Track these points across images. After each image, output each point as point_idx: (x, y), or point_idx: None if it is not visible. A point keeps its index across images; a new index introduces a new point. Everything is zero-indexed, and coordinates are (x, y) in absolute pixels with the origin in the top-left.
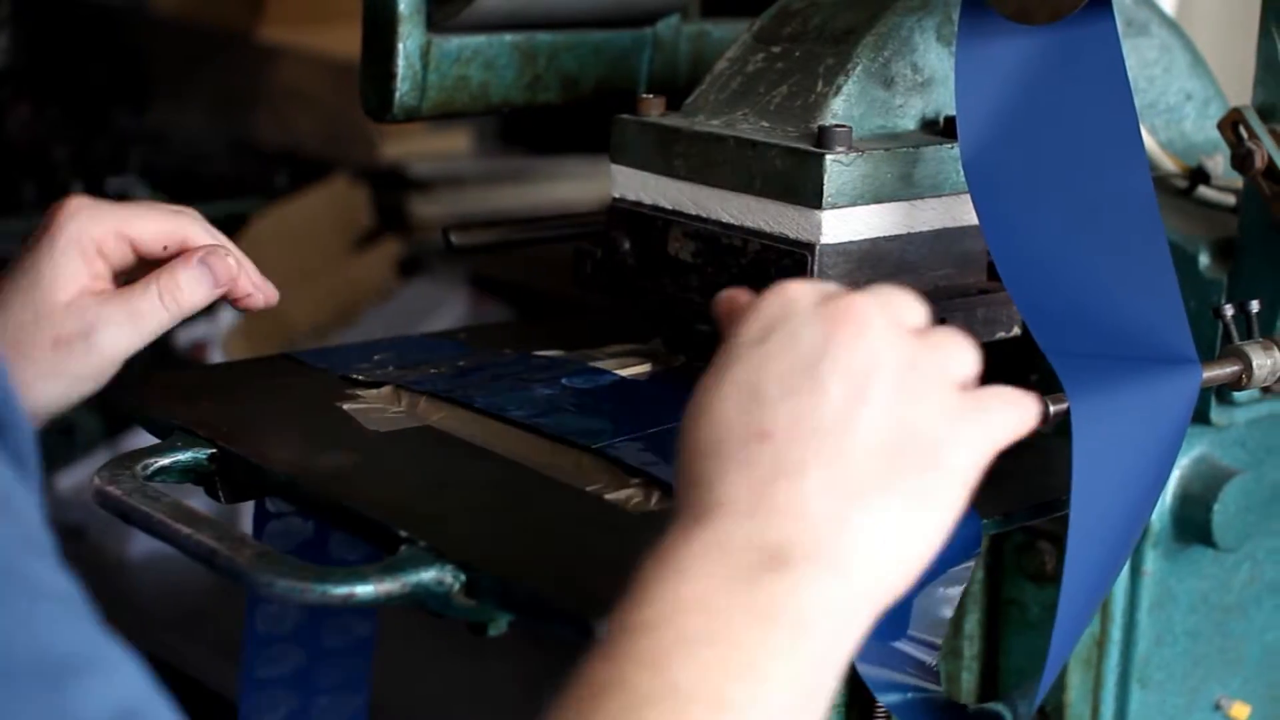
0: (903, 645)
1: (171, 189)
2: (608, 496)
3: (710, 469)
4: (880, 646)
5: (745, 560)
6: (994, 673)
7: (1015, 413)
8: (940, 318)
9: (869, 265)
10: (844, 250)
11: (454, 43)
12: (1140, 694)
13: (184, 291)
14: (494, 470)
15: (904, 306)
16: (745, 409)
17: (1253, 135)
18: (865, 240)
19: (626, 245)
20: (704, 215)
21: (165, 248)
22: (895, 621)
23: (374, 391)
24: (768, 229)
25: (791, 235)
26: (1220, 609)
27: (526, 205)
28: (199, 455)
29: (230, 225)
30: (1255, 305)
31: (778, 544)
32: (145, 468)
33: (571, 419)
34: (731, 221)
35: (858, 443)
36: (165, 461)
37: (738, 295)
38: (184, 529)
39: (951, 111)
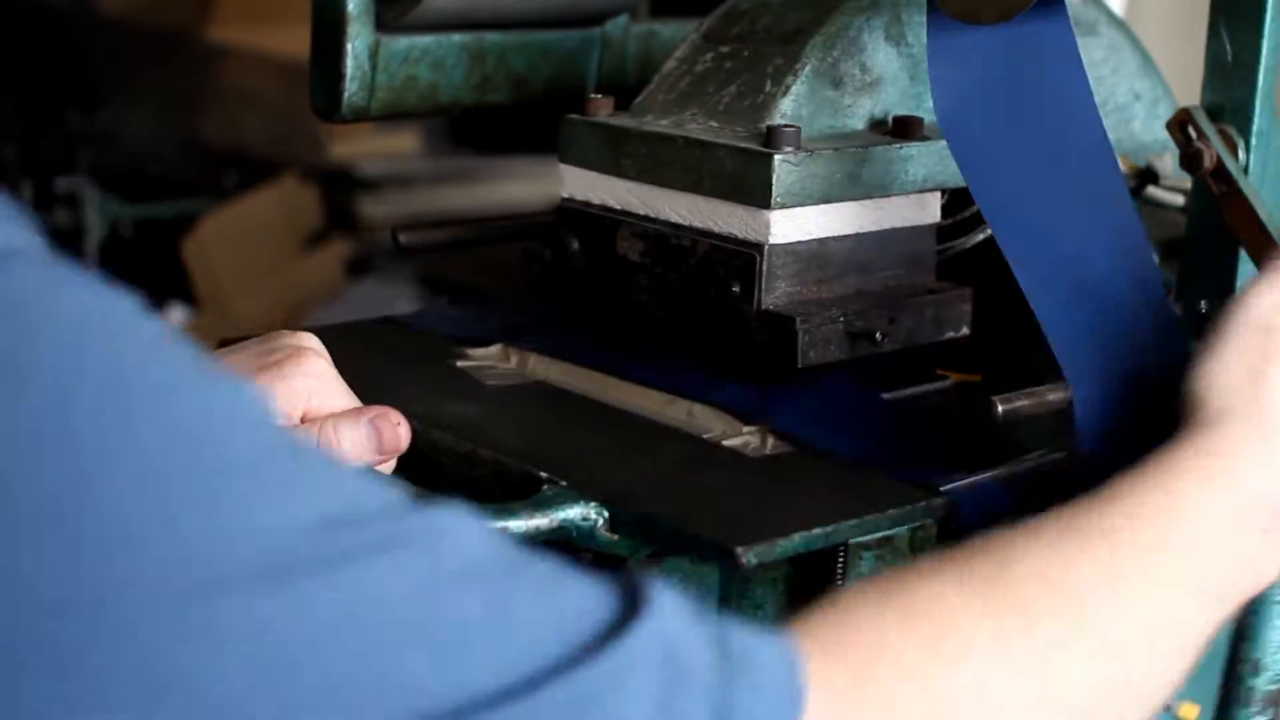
0: None
1: (121, 189)
2: (726, 443)
3: (1223, 427)
4: None
5: (1249, 499)
6: None
7: None
8: (890, 318)
9: (818, 265)
10: (793, 250)
11: (402, 43)
12: None
13: (348, 444)
14: (614, 419)
15: None
16: (1251, 378)
17: (1201, 135)
18: (814, 240)
19: (575, 245)
20: (653, 215)
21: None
22: None
23: (483, 350)
24: (716, 229)
25: (740, 235)
26: None
27: (475, 205)
28: None
29: (179, 225)
30: (1204, 305)
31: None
32: None
33: (678, 373)
34: (680, 221)
35: None
36: None
37: None
38: None
39: (900, 111)
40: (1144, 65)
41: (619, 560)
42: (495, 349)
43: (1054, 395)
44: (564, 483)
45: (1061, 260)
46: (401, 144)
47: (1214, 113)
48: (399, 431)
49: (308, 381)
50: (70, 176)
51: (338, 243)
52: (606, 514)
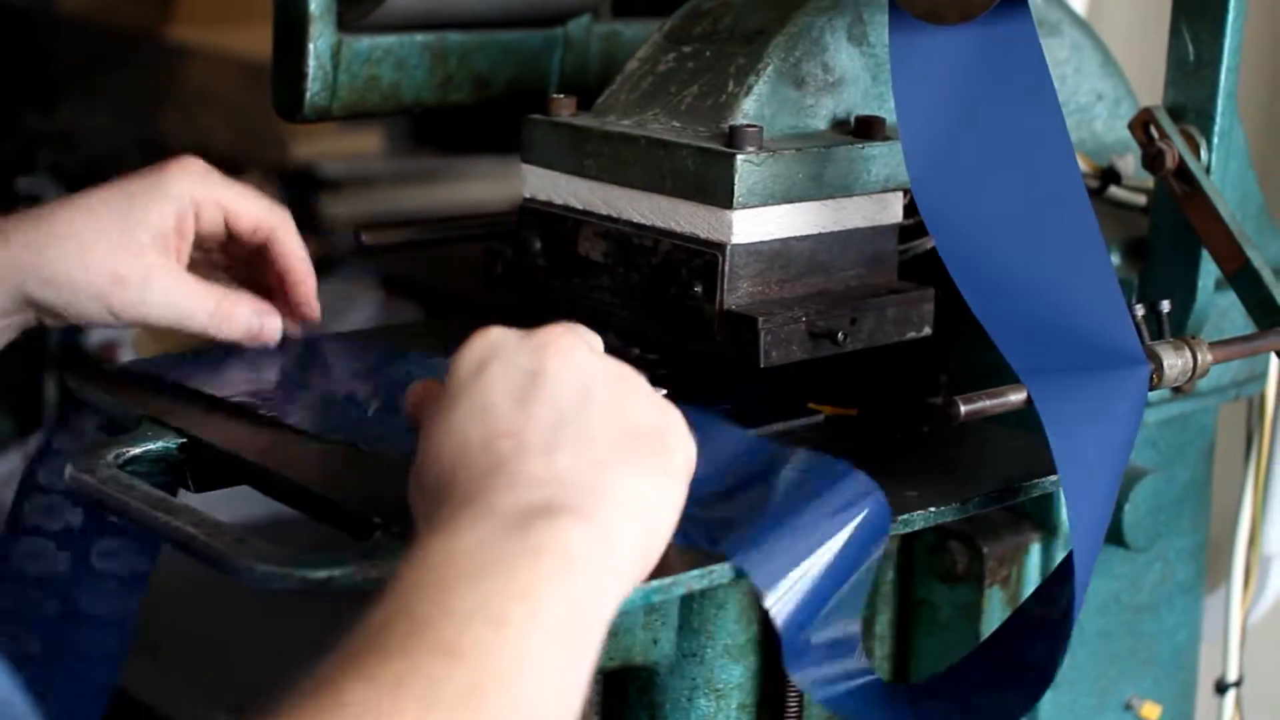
0: (820, 634)
1: (81, 188)
2: None
3: (459, 474)
4: (799, 643)
5: (512, 516)
6: (905, 673)
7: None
8: (851, 318)
9: (780, 265)
10: (755, 250)
11: (365, 42)
12: (1051, 694)
13: (232, 323)
14: None
15: (591, 337)
16: (481, 423)
17: (1164, 135)
18: (776, 240)
19: (537, 245)
20: (615, 215)
21: (255, 231)
22: (808, 613)
23: None
24: (679, 229)
25: (702, 235)
26: (1131, 609)
27: (438, 205)
28: (169, 445)
29: None
30: (1166, 305)
31: (540, 503)
32: (117, 457)
33: None
34: (642, 221)
35: (597, 428)
36: (136, 451)
37: (428, 384)
38: (161, 516)
39: (862, 111)
40: (1106, 65)
41: None
42: None
43: (1015, 395)
44: (396, 529)
45: (1011, 262)
46: (364, 144)
47: (1176, 113)
48: (273, 330)
49: (196, 185)
50: (31, 176)
51: None
52: None
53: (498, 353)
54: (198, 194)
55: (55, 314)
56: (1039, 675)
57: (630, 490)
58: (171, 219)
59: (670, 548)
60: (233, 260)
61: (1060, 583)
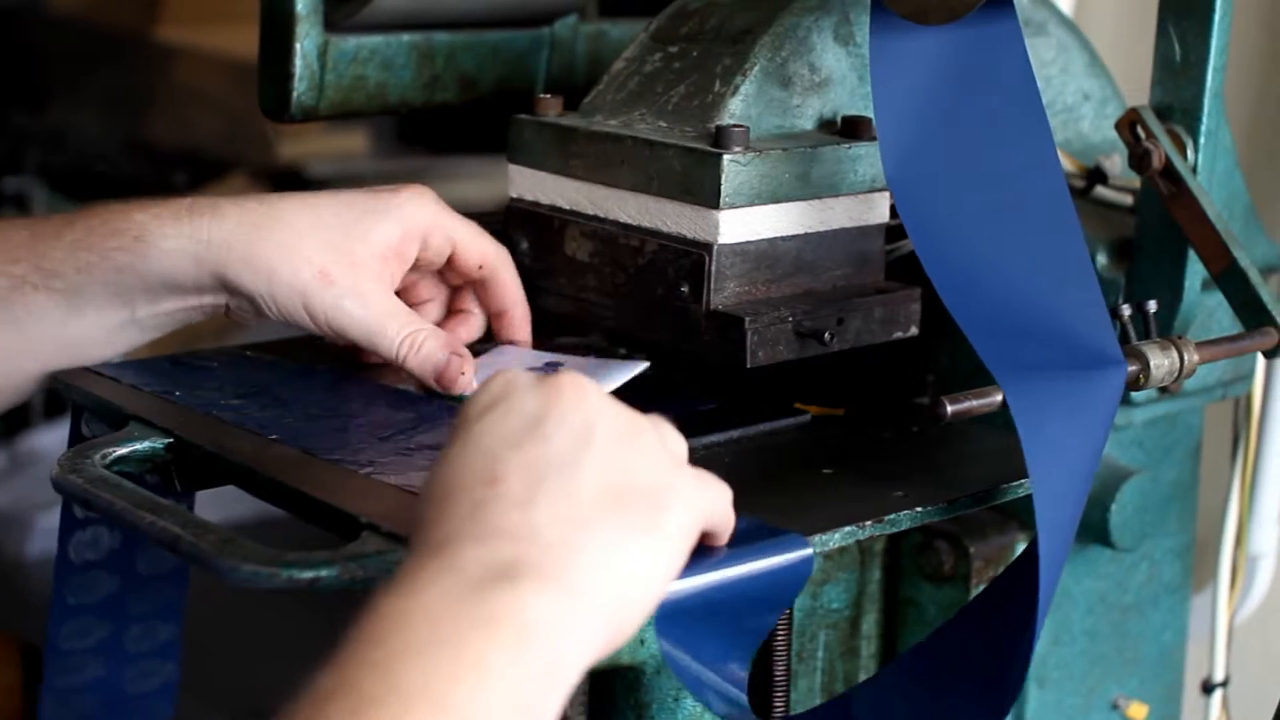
0: (714, 676)
1: (69, 189)
2: None
3: (442, 511)
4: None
5: (474, 576)
6: None
7: (722, 488)
8: (838, 318)
9: (766, 265)
10: (741, 250)
11: (351, 42)
12: (1038, 693)
13: (420, 354)
14: None
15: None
16: (475, 463)
17: (1150, 135)
18: (763, 240)
19: (524, 245)
20: (601, 215)
21: (480, 267)
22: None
23: None
24: (665, 229)
25: (689, 235)
26: (1118, 609)
27: None
28: (156, 445)
29: None
30: (1153, 305)
31: (506, 561)
32: (104, 457)
33: None
34: (629, 221)
35: (584, 481)
36: (123, 451)
37: None
38: (148, 516)
39: (849, 111)
40: (1093, 65)
41: None
42: None
43: (1002, 396)
44: (384, 528)
45: (988, 262)
46: (351, 144)
47: (1163, 113)
48: (462, 381)
49: (419, 215)
50: (18, 176)
51: None
52: None
53: (508, 395)
54: (427, 221)
55: (249, 300)
56: (1000, 690)
57: (608, 549)
58: (396, 239)
59: None
60: (443, 287)
61: (1021, 585)
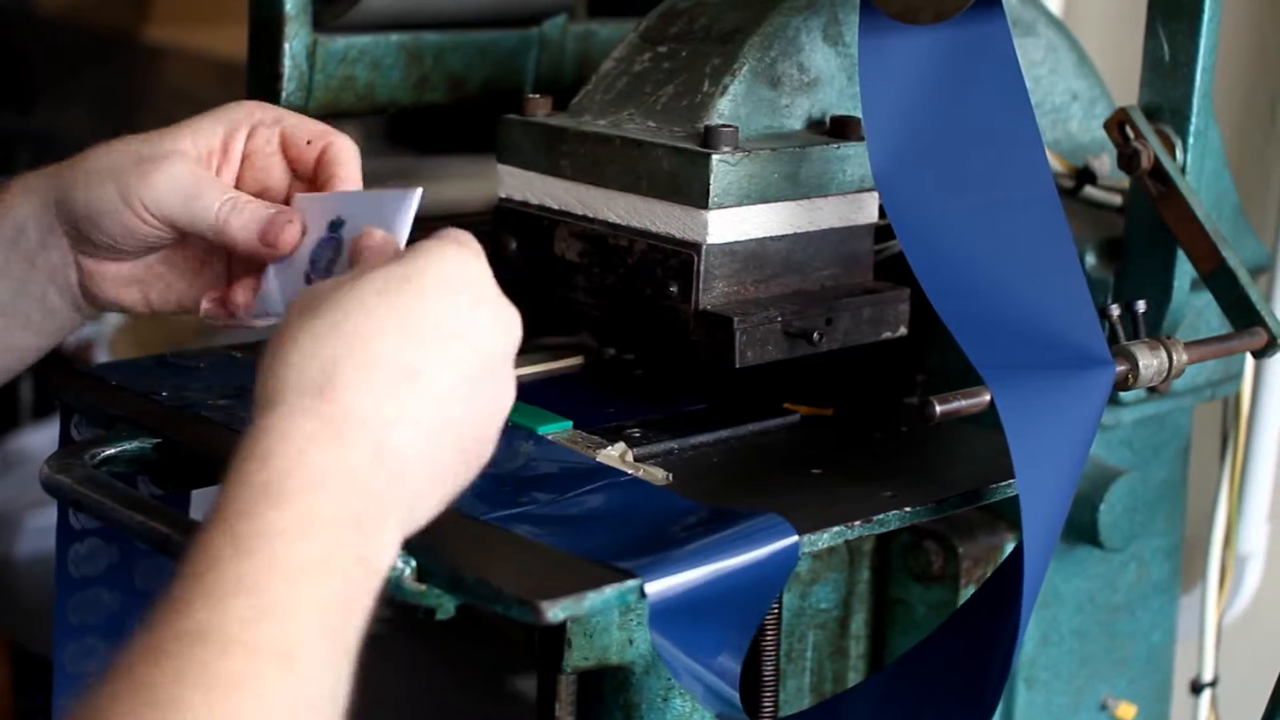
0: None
1: None
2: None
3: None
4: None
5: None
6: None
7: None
8: (827, 318)
9: (755, 265)
10: (730, 250)
11: (340, 43)
12: (1026, 693)
13: (243, 216)
14: None
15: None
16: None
17: (1139, 135)
18: (752, 240)
19: (513, 245)
20: (591, 215)
21: (309, 142)
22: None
23: None
24: (654, 229)
25: (678, 235)
26: (1107, 609)
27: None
28: (144, 445)
29: None
30: (1142, 305)
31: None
32: (93, 457)
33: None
34: (618, 221)
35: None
36: (112, 451)
37: (386, 240)
38: (137, 516)
39: (838, 111)
40: (1081, 65)
41: (429, 611)
42: None
43: (990, 395)
44: None
45: (976, 261)
46: None
47: (1151, 113)
48: (286, 231)
49: (233, 110)
50: (7, 177)
51: None
52: (414, 563)
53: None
54: (244, 112)
55: (73, 212)
56: (982, 693)
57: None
58: (218, 137)
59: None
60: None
61: (1007, 588)
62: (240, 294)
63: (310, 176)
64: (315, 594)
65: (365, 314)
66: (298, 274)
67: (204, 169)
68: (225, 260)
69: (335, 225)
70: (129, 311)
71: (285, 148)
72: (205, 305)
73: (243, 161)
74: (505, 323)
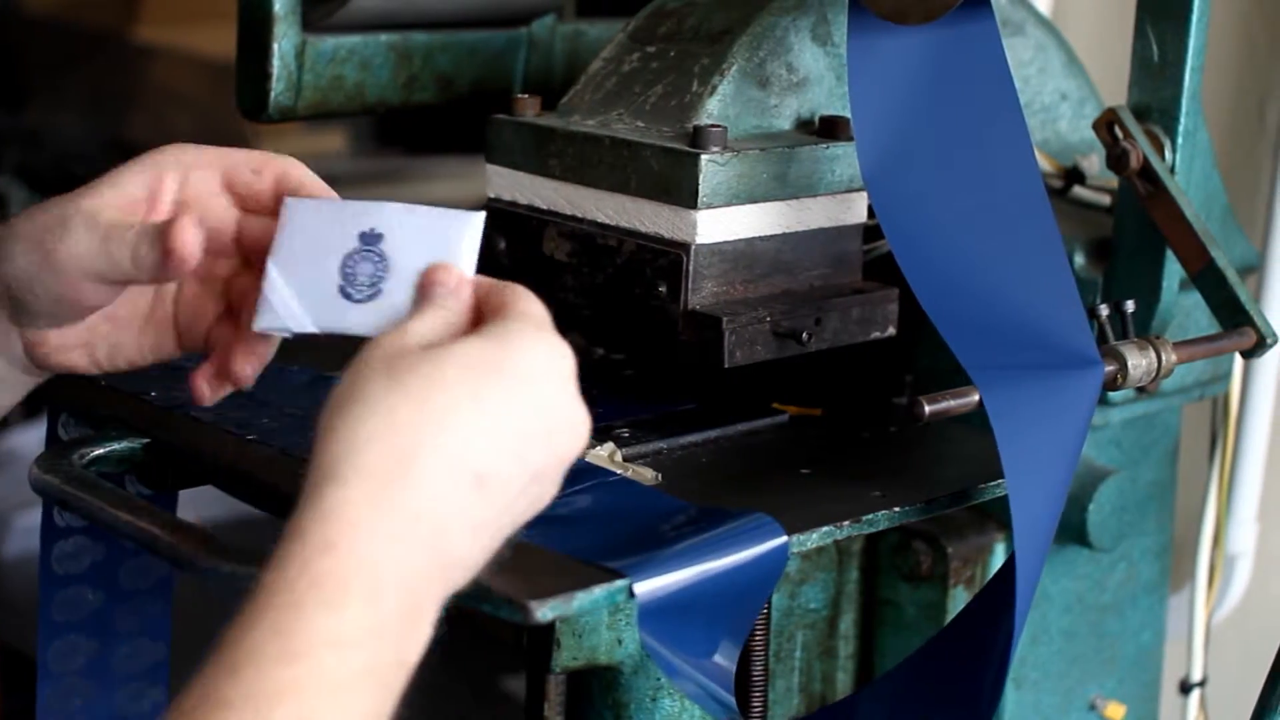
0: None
1: (48, 188)
2: None
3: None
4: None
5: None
6: (869, 672)
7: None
8: (816, 318)
9: (744, 265)
10: (719, 250)
11: (329, 43)
12: (1015, 694)
13: (144, 236)
14: None
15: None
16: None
17: (1128, 135)
18: (741, 240)
19: (502, 245)
20: (579, 215)
21: (259, 173)
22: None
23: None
24: (643, 229)
25: (667, 235)
26: (1096, 609)
27: None
28: (133, 445)
29: None
30: (1130, 305)
31: None
32: (81, 457)
33: None
34: (607, 221)
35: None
36: (100, 451)
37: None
38: (125, 515)
39: (827, 111)
40: (1070, 65)
41: None
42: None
43: (979, 395)
44: None
45: (965, 262)
46: (328, 144)
47: (1140, 113)
48: (179, 239)
49: (161, 156)
50: None
51: None
52: None
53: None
54: (181, 161)
55: (6, 286)
56: (978, 699)
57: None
58: (141, 186)
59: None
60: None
61: (1001, 594)
62: (244, 365)
63: (269, 207)
64: (358, 706)
65: (449, 400)
66: (326, 287)
67: (124, 217)
68: (171, 312)
69: (371, 238)
70: (81, 374)
71: (231, 187)
72: (201, 388)
73: (182, 209)
74: (579, 432)
